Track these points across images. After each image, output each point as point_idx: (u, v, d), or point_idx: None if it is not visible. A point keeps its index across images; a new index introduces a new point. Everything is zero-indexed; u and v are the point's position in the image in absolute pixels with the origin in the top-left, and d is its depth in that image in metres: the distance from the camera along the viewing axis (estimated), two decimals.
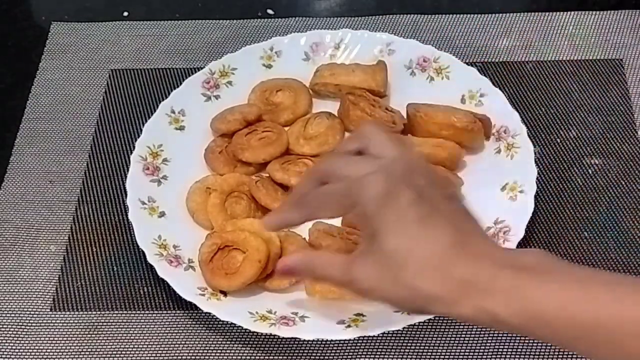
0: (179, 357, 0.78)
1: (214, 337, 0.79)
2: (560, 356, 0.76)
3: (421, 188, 0.60)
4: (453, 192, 0.74)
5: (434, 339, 0.78)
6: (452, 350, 0.77)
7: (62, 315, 0.81)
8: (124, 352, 0.79)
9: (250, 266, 0.77)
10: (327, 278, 0.66)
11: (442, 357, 0.77)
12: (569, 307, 0.54)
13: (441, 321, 0.78)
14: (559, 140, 0.92)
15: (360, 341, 0.78)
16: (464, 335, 0.78)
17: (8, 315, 0.82)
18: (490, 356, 0.77)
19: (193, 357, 0.78)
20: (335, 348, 0.78)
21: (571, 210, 0.86)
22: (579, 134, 0.93)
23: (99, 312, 0.81)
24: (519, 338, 0.77)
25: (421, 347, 0.77)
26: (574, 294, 0.54)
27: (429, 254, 0.58)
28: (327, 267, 0.64)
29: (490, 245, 0.60)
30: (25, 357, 0.79)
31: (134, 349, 0.79)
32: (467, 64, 0.94)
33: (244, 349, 0.78)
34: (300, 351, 0.78)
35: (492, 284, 0.55)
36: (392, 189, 0.60)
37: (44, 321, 0.81)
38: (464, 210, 0.62)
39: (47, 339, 0.80)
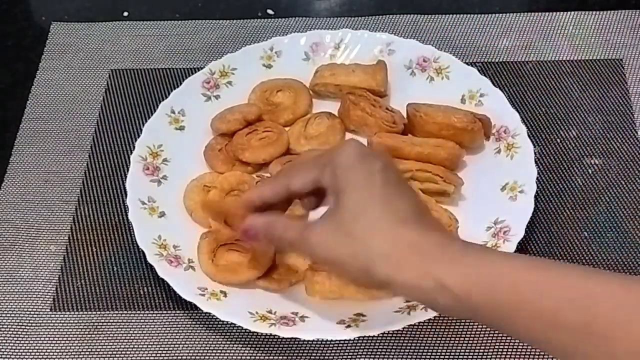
0: (179, 357, 0.78)
1: (214, 337, 0.79)
2: None
3: (389, 163, 0.65)
4: None
5: (434, 339, 0.78)
6: (452, 350, 0.77)
7: (62, 315, 0.81)
8: (124, 352, 0.79)
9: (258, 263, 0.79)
10: (283, 240, 0.68)
11: (442, 357, 0.77)
12: (512, 275, 0.56)
13: (441, 321, 0.78)
14: (559, 140, 0.92)
15: (360, 341, 0.78)
16: (464, 335, 0.78)
17: (8, 315, 0.82)
18: (490, 356, 0.77)
19: (193, 357, 0.78)
20: (335, 348, 0.78)
21: (571, 210, 0.86)
22: (579, 134, 0.93)
23: (99, 312, 0.81)
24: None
25: (421, 347, 0.77)
26: (517, 263, 0.57)
27: (384, 215, 0.60)
28: (286, 229, 0.67)
29: (443, 226, 0.64)
30: (25, 357, 0.79)
31: (134, 349, 0.79)
32: (467, 64, 0.94)
33: (244, 349, 0.78)
34: (300, 351, 0.78)
35: (441, 251, 0.58)
36: (365, 155, 0.64)
37: (44, 321, 0.81)
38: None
39: (47, 339, 0.80)
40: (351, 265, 0.62)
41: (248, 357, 0.78)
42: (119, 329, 0.80)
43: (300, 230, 0.65)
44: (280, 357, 0.78)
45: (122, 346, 0.79)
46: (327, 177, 0.65)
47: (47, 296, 0.83)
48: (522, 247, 0.81)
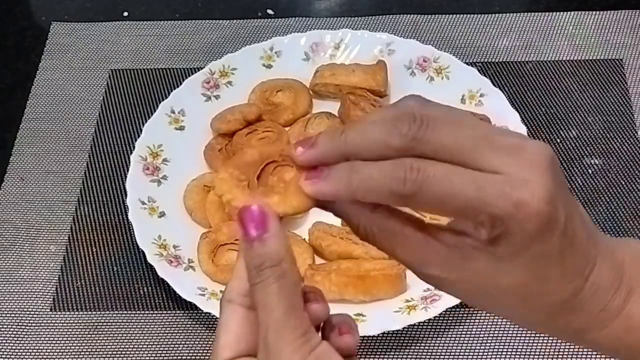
0: (179, 357, 0.78)
1: (213, 337, 0.79)
2: (560, 356, 0.76)
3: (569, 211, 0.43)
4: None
5: (434, 339, 0.78)
6: (452, 350, 0.77)
7: (62, 315, 0.81)
8: (124, 352, 0.79)
9: None
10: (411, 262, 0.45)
11: (442, 357, 0.77)
12: None
13: (441, 321, 0.78)
14: (559, 140, 0.92)
15: (360, 341, 0.77)
16: (464, 335, 0.78)
17: (8, 315, 0.82)
18: (490, 356, 0.77)
19: (193, 357, 0.78)
20: None
21: None
22: (579, 134, 0.93)
23: (99, 312, 0.81)
24: (519, 338, 0.77)
25: (421, 347, 0.77)
26: None
27: (539, 307, 0.44)
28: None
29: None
30: (25, 357, 0.79)
31: (134, 349, 0.79)
32: (467, 64, 0.94)
33: None
34: None
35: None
36: (553, 214, 0.41)
37: (44, 321, 0.81)
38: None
39: (47, 339, 0.80)
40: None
41: None
42: (119, 329, 0.80)
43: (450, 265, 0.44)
44: None
45: (122, 346, 0.79)
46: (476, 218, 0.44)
47: (47, 296, 0.83)
48: None
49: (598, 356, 0.76)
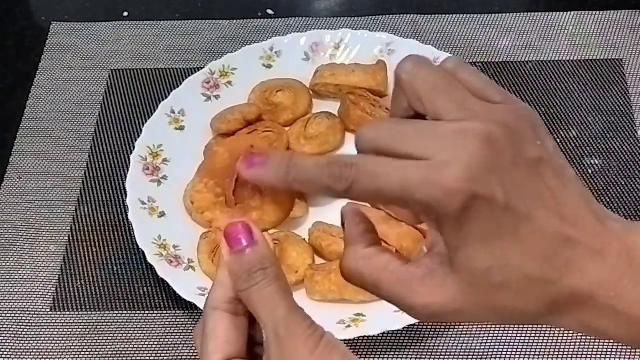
0: (179, 357, 0.78)
1: None
2: (560, 356, 0.76)
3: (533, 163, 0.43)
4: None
5: (434, 339, 0.78)
6: (452, 350, 0.77)
7: (62, 315, 0.81)
8: (124, 352, 0.79)
9: None
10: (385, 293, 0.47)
11: (442, 357, 0.77)
12: None
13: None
14: (559, 140, 0.92)
15: (360, 341, 0.78)
16: (464, 335, 0.78)
17: (8, 315, 0.82)
18: (490, 356, 0.77)
19: (193, 357, 0.78)
20: None
21: None
22: (579, 134, 0.93)
23: (99, 312, 0.81)
24: (519, 338, 0.77)
25: (421, 347, 0.77)
26: None
27: (525, 272, 0.42)
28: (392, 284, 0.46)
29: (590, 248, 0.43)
30: (25, 357, 0.79)
31: (134, 349, 0.79)
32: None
33: None
34: None
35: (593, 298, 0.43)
36: (479, 190, 0.40)
37: (44, 321, 0.81)
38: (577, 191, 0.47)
39: (47, 339, 0.80)
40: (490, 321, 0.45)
41: None
42: (119, 329, 0.80)
43: (407, 290, 0.44)
44: None
45: (122, 346, 0.79)
46: (425, 217, 0.45)
47: (47, 296, 0.83)
48: None
49: (598, 356, 0.76)
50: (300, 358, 0.46)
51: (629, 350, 0.76)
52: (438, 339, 0.78)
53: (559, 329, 0.77)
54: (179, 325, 0.80)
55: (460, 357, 0.77)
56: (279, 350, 0.45)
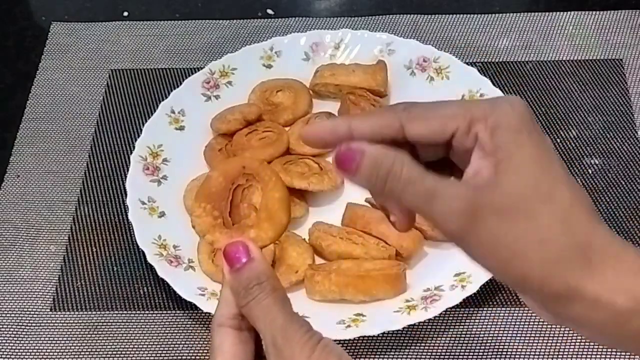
0: (179, 357, 0.78)
1: None
2: (560, 356, 0.76)
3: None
4: None
5: (434, 339, 0.78)
6: (452, 350, 0.77)
7: (62, 315, 0.81)
8: (124, 352, 0.79)
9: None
10: (397, 190, 0.48)
11: (442, 357, 0.77)
12: None
13: (441, 321, 0.78)
14: (559, 140, 0.92)
15: (360, 341, 0.78)
16: (464, 335, 0.78)
17: (8, 315, 0.82)
18: (490, 356, 0.77)
19: (193, 357, 0.78)
20: None
21: None
22: (579, 134, 0.93)
23: (99, 312, 0.81)
24: (519, 338, 0.78)
25: (421, 347, 0.77)
26: None
27: (577, 203, 0.46)
28: (408, 178, 0.47)
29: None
30: (25, 357, 0.79)
31: (134, 349, 0.79)
32: (467, 64, 0.94)
33: None
34: None
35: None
36: (534, 122, 0.48)
37: (44, 321, 0.81)
38: None
39: (47, 339, 0.80)
40: (518, 256, 0.45)
41: None
42: (119, 329, 0.80)
43: (430, 186, 0.46)
44: None
45: (122, 346, 0.79)
46: (480, 135, 0.47)
47: (47, 296, 0.83)
48: None
49: (598, 356, 0.76)
50: None
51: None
52: (438, 339, 0.78)
53: (558, 329, 0.77)
54: (179, 325, 0.80)
55: (460, 357, 0.77)
56: (278, 358, 0.47)
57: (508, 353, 0.77)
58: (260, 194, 0.59)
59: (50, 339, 0.80)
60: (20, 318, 0.81)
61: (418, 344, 0.78)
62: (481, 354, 0.77)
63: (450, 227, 0.46)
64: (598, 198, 0.87)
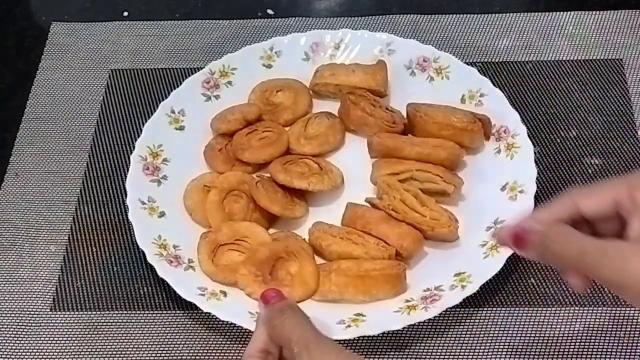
0: (179, 357, 0.78)
1: (214, 337, 0.79)
2: (560, 356, 0.76)
3: None
4: None
5: (434, 339, 0.78)
6: (452, 350, 0.77)
7: (62, 315, 0.81)
8: (124, 352, 0.79)
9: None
10: (578, 260, 0.56)
11: (442, 357, 0.77)
12: None
13: (441, 321, 0.78)
14: (559, 140, 0.92)
15: (360, 341, 0.78)
16: (463, 336, 0.78)
17: (8, 315, 0.82)
18: (490, 356, 0.77)
19: (193, 357, 0.78)
20: None
21: None
22: (579, 134, 0.93)
23: (99, 312, 0.81)
24: (519, 338, 0.78)
25: (421, 347, 0.77)
26: None
27: None
28: (584, 247, 0.55)
29: None
30: (25, 357, 0.79)
31: (134, 349, 0.79)
32: (467, 64, 0.94)
33: (244, 349, 0.78)
34: None
35: None
36: None
37: (44, 321, 0.81)
38: None
39: (47, 339, 0.80)
40: None
41: None
42: (119, 329, 0.80)
43: (601, 247, 0.54)
44: None
45: (122, 346, 0.79)
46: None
47: (47, 296, 0.83)
48: None
49: (598, 356, 0.76)
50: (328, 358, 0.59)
51: (629, 350, 0.76)
52: (438, 339, 0.78)
53: (558, 329, 0.77)
54: (179, 325, 0.80)
55: (460, 357, 0.77)
56: (310, 357, 0.58)
57: (508, 353, 0.77)
58: (297, 266, 0.77)
59: (50, 339, 0.80)
60: (20, 318, 0.81)
61: (418, 344, 0.78)
62: (481, 354, 0.77)
63: (629, 281, 0.53)
64: None
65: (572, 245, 0.55)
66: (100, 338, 0.80)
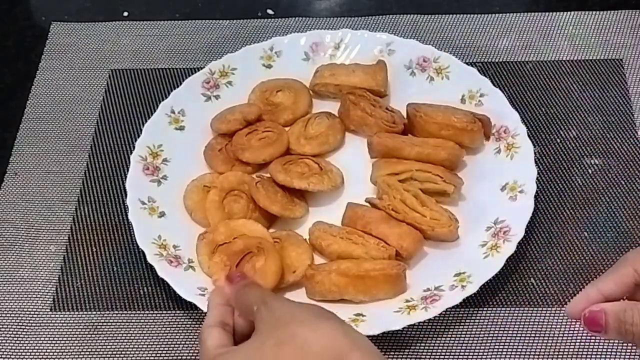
0: (179, 357, 0.78)
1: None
2: (560, 356, 0.76)
3: None
4: None
5: (434, 339, 0.78)
6: (452, 350, 0.77)
7: (62, 315, 0.81)
8: (124, 352, 0.79)
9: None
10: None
11: (442, 357, 0.77)
12: None
13: (441, 321, 0.78)
14: (559, 140, 0.92)
15: None
16: (464, 335, 0.78)
17: (8, 315, 0.82)
18: (490, 356, 0.77)
19: (193, 357, 0.78)
20: None
21: (571, 210, 0.86)
22: (579, 134, 0.93)
23: (99, 312, 0.81)
24: (519, 338, 0.77)
25: (421, 347, 0.77)
26: None
27: None
28: None
29: None
30: (25, 357, 0.79)
31: (134, 349, 0.79)
32: (467, 64, 0.94)
33: None
34: None
35: None
36: None
37: (44, 321, 0.81)
38: None
39: (47, 339, 0.80)
40: None
41: None
42: (119, 329, 0.80)
43: None
44: None
45: (122, 346, 0.79)
46: None
47: (47, 296, 0.83)
48: (522, 247, 0.81)
49: (598, 356, 0.76)
50: (287, 308, 0.58)
51: (629, 350, 0.76)
52: (438, 339, 0.78)
53: (558, 329, 0.77)
54: (179, 325, 0.80)
55: (460, 357, 0.77)
56: (268, 311, 0.58)
57: (508, 353, 0.77)
58: (262, 261, 0.78)
59: (50, 339, 0.80)
60: (20, 318, 0.81)
61: (418, 344, 0.78)
62: (481, 354, 0.77)
63: None
64: (598, 198, 0.87)
65: None
66: (100, 338, 0.80)
